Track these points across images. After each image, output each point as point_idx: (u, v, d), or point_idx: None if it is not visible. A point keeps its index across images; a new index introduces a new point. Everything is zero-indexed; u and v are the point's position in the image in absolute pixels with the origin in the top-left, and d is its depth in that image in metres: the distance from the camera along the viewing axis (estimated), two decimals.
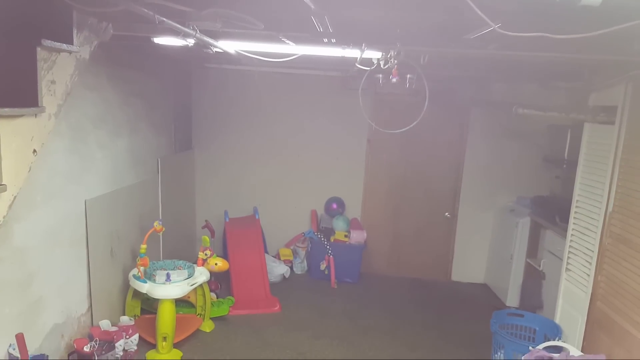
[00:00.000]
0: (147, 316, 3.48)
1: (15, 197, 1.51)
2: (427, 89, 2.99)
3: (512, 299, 4.37)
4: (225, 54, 2.86)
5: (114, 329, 3.07)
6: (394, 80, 2.56)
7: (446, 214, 4.97)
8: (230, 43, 2.55)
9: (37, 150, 1.60)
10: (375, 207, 5.08)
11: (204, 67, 4.66)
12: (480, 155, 4.81)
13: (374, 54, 2.62)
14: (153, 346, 3.19)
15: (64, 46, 1.76)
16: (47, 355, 2.68)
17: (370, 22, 2.12)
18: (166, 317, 3.06)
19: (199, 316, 3.60)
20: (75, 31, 1.85)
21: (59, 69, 1.78)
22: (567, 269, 3.13)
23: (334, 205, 4.99)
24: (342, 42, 2.33)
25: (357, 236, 4.74)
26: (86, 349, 2.86)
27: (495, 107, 4.49)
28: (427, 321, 4.01)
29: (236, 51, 2.76)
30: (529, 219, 4.23)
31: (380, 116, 4.67)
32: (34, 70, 1.61)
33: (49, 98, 1.69)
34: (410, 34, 2.24)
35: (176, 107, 4.61)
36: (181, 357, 3.18)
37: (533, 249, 4.21)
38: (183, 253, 4.53)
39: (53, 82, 1.74)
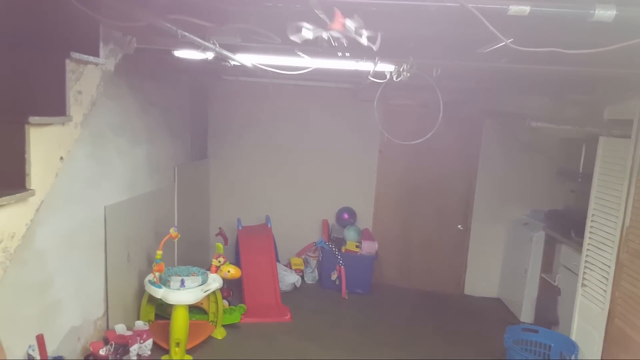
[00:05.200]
0: (161, 322, 3.53)
1: (42, 201, 1.58)
2: (440, 100, 3.02)
3: (526, 314, 4.31)
4: (241, 67, 2.94)
5: (129, 333, 3.13)
6: None
7: (459, 226, 4.95)
8: (247, 56, 2.62)
9: (63, 157, 1.68)
10: (387, 218, 5.09)
11: (220, 79, 4.77)
12: (494, 168, 4.80)
13: (387, 67, 2.67)
14: (166, 351, 3.23)
15: (91, 58, 1.84)
16: (64, 357, 2.74)
17: (383, 35, 2.17)
18: (180, 323, 3.10)
19: (211, 323, 3.64)
20: (101, 44, 1.94)
21: (85, 80, 1.87)
22: (583, 285, 3.09)
23: (345, 215, 5.01)
24: (356, 55, 2.38)
25: (369, 247, 4.75)
26: (102, 352, 2.91)
27: (508, 119, 4.49)
28: (439, 335, 3.98)
29: (253, 64, 2.84)
30: (544, 233, 4.18)
31: (391, 127, 4.70)
32: (62, 81, 1.69)
33: (76, 107, 1.77)
34: (423, 46, 2.28)
35: (193, 117, 4.71)
36: None
37: (548, 264, 4.16)
38: (196, 260, 4.59)
39: (80, 92, 1.82)
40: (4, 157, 1.47)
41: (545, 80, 3.34)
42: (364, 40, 1.38)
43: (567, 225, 3.80)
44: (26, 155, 1.48)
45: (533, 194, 4.70)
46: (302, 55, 2.39)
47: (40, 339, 2.43)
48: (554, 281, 3.92)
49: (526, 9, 1.19)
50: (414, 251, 5.08)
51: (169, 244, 3.84)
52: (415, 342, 3.80)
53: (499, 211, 4.83)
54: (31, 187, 1.48)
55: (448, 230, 4.98)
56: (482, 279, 4.96)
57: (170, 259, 4.07)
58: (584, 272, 3.08)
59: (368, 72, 2.80)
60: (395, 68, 2.63)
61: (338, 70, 3.05)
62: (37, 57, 1.70)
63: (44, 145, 1.55)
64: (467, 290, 5.01)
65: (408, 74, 2.56)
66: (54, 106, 1.64)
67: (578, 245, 3.38)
